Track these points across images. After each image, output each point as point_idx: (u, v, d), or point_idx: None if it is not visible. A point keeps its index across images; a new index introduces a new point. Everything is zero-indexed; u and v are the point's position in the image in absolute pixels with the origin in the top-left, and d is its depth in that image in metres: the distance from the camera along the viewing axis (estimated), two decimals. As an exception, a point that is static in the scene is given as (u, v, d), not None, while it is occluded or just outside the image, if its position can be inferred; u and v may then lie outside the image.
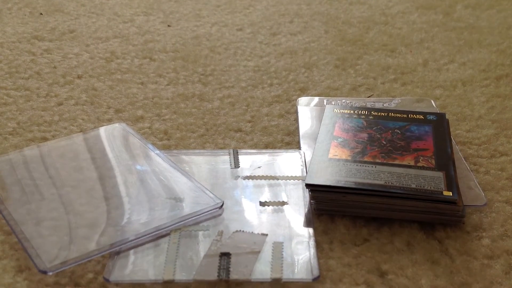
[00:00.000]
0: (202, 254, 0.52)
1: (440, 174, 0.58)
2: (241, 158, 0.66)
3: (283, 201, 0.59)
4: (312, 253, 0.53)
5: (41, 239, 0.52)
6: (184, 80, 0.84)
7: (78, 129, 0.71)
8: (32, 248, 0.51)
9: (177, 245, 0.53)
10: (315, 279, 0.50)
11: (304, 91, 0.82)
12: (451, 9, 1.11)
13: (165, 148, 0.68)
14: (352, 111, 0.68)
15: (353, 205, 0.57)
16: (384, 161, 0.59)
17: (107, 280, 0.50)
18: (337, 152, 0.61)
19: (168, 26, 1.01)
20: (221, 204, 0.57)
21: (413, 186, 0.56)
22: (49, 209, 0.56)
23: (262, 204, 0.59)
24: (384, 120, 0.65)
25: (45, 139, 0.69)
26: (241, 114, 0.76)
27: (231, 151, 0.67)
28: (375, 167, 0.58)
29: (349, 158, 0.60)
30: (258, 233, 0.55)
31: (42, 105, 0.76)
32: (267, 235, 0.55)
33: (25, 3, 1.07)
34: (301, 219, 0.57)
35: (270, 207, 0.59)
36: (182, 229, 0.55)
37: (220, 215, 0.57)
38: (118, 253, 0.52)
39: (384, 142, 0.61)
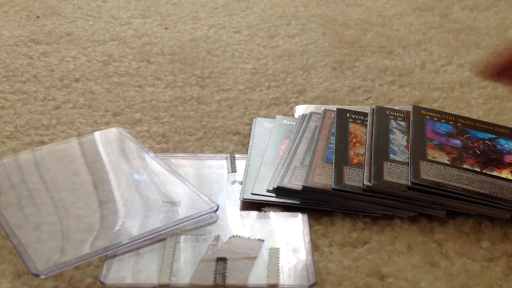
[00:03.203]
0: (198, 258, 0.52)
1: None
2: (238, 162, 0.66)
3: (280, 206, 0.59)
4: (309, 260, 0.52)
5: (36, 243, 0.52)
6: (182, 83, 0.84)
7: (75, 133, 0.71)
8: (26, 252, 0.51)
9: (174, 249, 0.53)
10: (312, 286, 0.50)
11: (302, 94, 0.82)
12: (448, 10, 1.11)
13: (163, 151, 0.68)
14: (439, 115, 0.68)
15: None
16: (483, 171, 0.59)
17: (102, 283, 0.50)
18: (435, 155, 0.61)
19: (166, 28, 1.01)
20: (216, 208, 0.57)
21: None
22: (45, 214, 0.56)
23: (259, 209, 0.59)
24: (471, 129, 0.65)
25: (42, 142, 0.69)
26: (239, 116, 0.76)
27: (228, 155, 0.67)
28: (476, 175, 0.59)
29: (448, 162, 0.60)
30: (254, 239, 0.55)
31: (39, 108, 0.76)
32: (263, 240, 0.55)
33: (22, 7, 1.07)
34: (299, 225, 0.57)
35: (267, 213, 0.58)
36: (178, 233, 0.55)
37: (215, 220, 0.57)
38: (113, 256, 0.52)
39: (478, 152, 0.62)
